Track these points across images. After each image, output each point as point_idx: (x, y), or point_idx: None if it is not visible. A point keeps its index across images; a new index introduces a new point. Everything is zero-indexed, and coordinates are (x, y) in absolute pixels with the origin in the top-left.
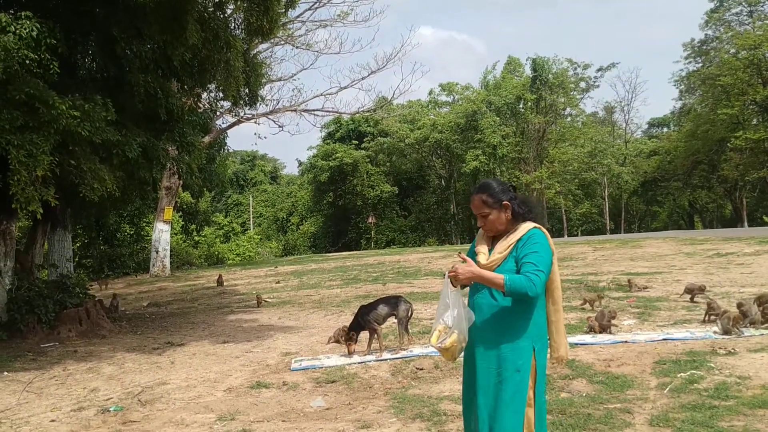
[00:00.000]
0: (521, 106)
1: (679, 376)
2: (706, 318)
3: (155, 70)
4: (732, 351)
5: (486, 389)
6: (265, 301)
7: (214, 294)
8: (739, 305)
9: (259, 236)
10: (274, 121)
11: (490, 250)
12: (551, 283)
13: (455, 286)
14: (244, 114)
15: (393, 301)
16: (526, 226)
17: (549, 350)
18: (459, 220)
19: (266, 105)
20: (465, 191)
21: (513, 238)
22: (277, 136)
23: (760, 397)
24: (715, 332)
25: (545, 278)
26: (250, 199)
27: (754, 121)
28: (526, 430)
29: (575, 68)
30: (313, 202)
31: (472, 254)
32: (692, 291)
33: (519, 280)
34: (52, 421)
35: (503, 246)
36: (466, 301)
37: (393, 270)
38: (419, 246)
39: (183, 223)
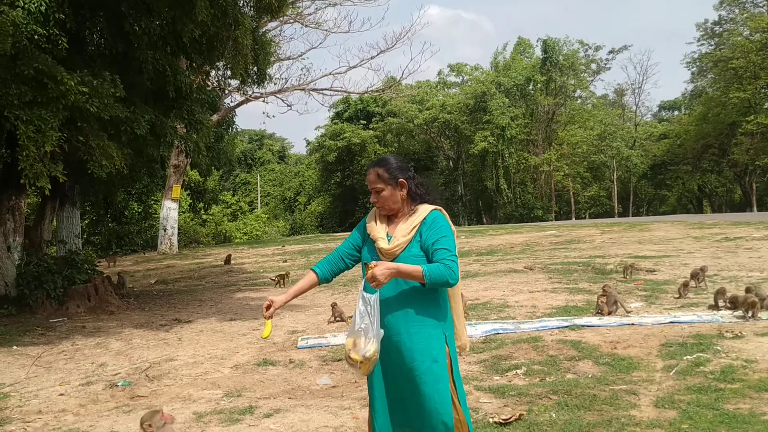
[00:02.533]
0: (531, 87)
1: (685, 358)
2: (718, 303)
3: (164, 47)
4: (739, 335)
5: (401, 385)
6: (273, 280)
7: (222, 272)
8: (748, 290)
9: (266, 215)
10: (282, 100)
11: (388, 234)
12: None
13: (373, 291)
14: (253, 92)
15: None
16: (427, 208)
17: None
18: (467, 201)
19: (275, 84)
20: (473, 173)
21: (415, 220)
22: (285, 115)
23: (767, 381)
24: (735, 315)
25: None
26: (258, 178)
27: (766, 105)
28: (455, 419)
29: (586, 50)
30: (320, 181)
31: (363, 230)
32: (696, 276)
33: (437, 269)
34: (61, 395)
35: (406, 229)
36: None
37: None
38: None
39: (191, 201)
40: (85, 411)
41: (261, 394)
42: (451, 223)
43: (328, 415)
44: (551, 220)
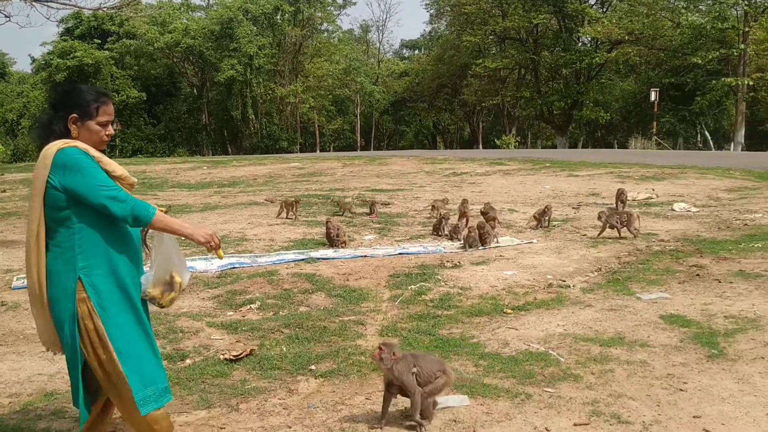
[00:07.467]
0: (279, 17)
1: (409, 288)
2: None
3: None
4: (457, 264)
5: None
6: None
7: None
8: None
9: None
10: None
11: None
12: None
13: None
14: None
15: None
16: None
17: None
18: (211, 130)
19: None
20: (218, 101)
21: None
22: (4, 27)
23: (477, 306)
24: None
25: None
26: None
27: (493, 51)
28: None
29: None
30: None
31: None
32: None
33: None
34: None
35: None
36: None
37: (138, 180)
38: (168, 156)
39: None
40: None
41: None
42: None
43: (43, 362)
44: (296, 152)
